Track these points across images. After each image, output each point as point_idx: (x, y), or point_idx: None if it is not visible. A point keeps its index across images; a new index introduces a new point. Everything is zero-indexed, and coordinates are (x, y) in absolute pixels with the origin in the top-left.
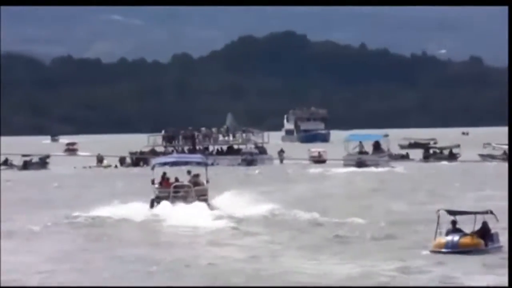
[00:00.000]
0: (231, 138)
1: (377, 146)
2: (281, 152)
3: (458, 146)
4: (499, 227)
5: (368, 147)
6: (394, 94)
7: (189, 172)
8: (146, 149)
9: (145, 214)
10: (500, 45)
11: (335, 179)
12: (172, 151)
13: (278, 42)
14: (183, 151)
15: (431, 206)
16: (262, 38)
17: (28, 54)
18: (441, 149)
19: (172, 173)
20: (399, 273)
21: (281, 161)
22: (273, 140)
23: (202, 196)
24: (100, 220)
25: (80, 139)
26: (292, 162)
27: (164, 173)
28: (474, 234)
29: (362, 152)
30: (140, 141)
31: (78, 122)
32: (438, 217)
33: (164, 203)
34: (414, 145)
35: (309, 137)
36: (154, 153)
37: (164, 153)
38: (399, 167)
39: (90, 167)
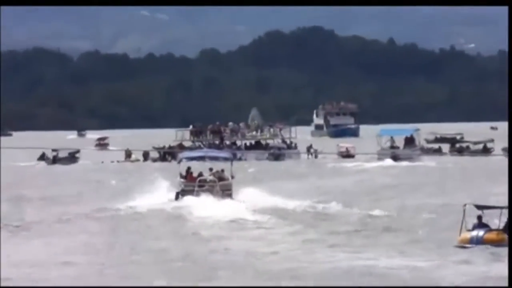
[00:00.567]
0: (258, 133)
1: (409, 141)
2: (310, 147)
3: (492, 140)
4: None
5: (399, 142)
6: (422, 89)
7: (211, 169)
8: (174, 144)
9: (169, 206)
10: None
11: (371, 173)
12: (199, 146)
13: (305, 37)
14: (210, 146)
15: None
16: (289, 33)
17: (55, 50)
18: (475, 143)
19: (196, 168)
20: None
21: (310, 156)
22: (302, 135)
23: (227, 191)
24: (126, 212)
25: (107, 134)
26: (320, 156)
27: (189, 168)
28: (500, 229)
29: (393, 147)
30: (168, 136)
31: (105, 117)
32: (464, 211)
33: (188, 197)
34: (441, 139)
35: (339, 132)
36: (181, 147)
37: (191, 148)
38: (432, 162)
39: (118, 161)
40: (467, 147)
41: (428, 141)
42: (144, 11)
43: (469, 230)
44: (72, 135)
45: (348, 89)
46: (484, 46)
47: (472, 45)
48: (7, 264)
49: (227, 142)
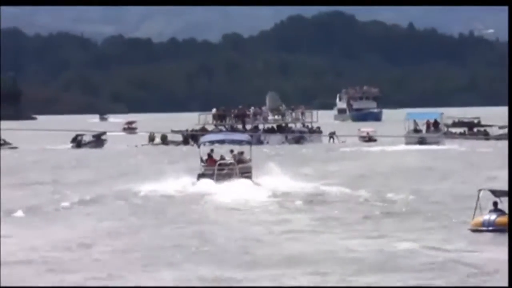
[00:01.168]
0: (280, 117)
1: (435, 125)
2: (332, 133)
3: None
4: None
5: (421, 126)
6: (442, 73)
7: (231, 151)
8: (197, 127)
9: (189, 189)
10: None
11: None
12: (221, 130)
13: (326, 21)
14: (233, 130)
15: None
16: (311, 18)
17: (79, 34)
18: (503, 127)
19: (218, 152)
20: None
21: (331, 140)
22: (324, 119)
23: (246, 173)
24: (145, 195)
25: (131, 118)
26: (341, 141)
27: (211, 150)
28: None
29: (416, 130)
30: (191, 120)
31: (129, 101)
32: (478, 196)
33: (207, 180)
34: (458, 123)
35: (362, 116)
36: (204, 131)
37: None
38: (457, 146)
39: (142, 145)
40: (485, 131)
41: (446, 125)
42: None
43: (486, 214)
44: (94, 119)
45: (369, 74)
46: (503, 31)
47: (491, 30)
48: (27, 248)
49: (249, 126)
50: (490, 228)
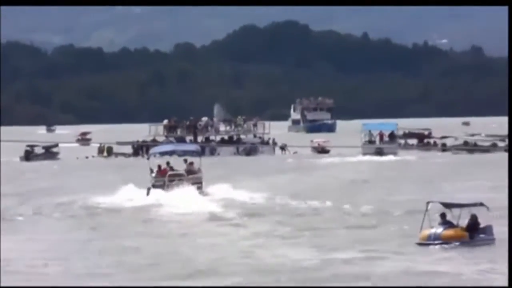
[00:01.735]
0: (231, 127)
1: (391, 136)
2: (284, 145)
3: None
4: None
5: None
6: (396, 83)
7: (185, 161)
8: (148, 139)
9: (140, 201)
10: (500, 35)
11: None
12: (171, 141)
13: (280, 31)
14: (183, 141)
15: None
16: (264, 28)
17: (29, 43)
18: (442, 138)
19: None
20: None
21: (283, 152)
22: (278, 130)
23: (197, 183)
24: (95, 208)
25: (82, 129)
26: (292, 152)
27: (168, 163)
28: (461, 226)
29: (371, 141)
30: (142, 131)
31: (80, 112)
32: (426, 208)
33: (157, 191)
34: (409, 135)
35: (316, 127)
36: (155, 142)
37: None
38: (412, 156)
39: (93, 156)
40: (435, 142)
41: (398, 137)
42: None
43: (433, 227)
44: (42, 130)
45: (323, 83)
46: (456, 41)
47: (445, 40)
48: None
49: (201, 138)
50: (436, 242)
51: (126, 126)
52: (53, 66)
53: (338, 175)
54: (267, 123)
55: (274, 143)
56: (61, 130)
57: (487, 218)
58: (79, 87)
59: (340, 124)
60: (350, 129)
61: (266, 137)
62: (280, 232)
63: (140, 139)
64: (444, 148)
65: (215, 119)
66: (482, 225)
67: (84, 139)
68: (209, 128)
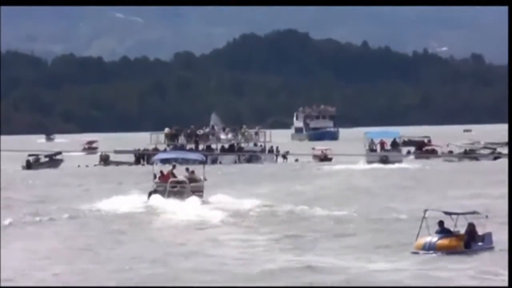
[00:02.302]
0: (230, 136)
1: (394, 144)
2: (286, 153)
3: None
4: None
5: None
6: (396, 91)
7: (187, 169)
8: (150, 147)
9: (139, 206)
10: (501, 42)
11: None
12: (173, 149)
13: (280, 40)
14: (184, 149)
15: None
16: (264, 36)
17: (29, 53)
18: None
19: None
20: None
21: (285, 160)
22: (281, 138)
23: (198, 192)
24: (94, 213)
25: (82, 138)
26: (294, 160)
27: (174, 166)
28: (458, 235)
29: (372, 150)
30: (143, 139)
31: (81, 121)
32: (423, 217)
33: (158, 197)
34: (408, 142)
35: (319, 135)
36: (156, 151)
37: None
38: (417, 164)
39: (95, 165)
40: (433, 150)
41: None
42: (118, 13)
43: (429, 236)
44: (41, 139)
45: (323, 92)
46: (456, 49)
47: (445, 48)
48: None
49: (202, 146)
50: (431, 251)
51: (127, 134)
52: (54, 76)
53: (352, 181)
54: (268, 132)
55: (278, 151)
56: (61, 139)
57: (490, 226)
58: (79, 96)
59: (341, 131)
60: (352, 137)
61: (268, 146)
62: (276, 239)
63: (142, 148)
64: (449, 155)
65: (216, 128)
66: (480, 233)
67: (90, 148)
68: (210, 136)
